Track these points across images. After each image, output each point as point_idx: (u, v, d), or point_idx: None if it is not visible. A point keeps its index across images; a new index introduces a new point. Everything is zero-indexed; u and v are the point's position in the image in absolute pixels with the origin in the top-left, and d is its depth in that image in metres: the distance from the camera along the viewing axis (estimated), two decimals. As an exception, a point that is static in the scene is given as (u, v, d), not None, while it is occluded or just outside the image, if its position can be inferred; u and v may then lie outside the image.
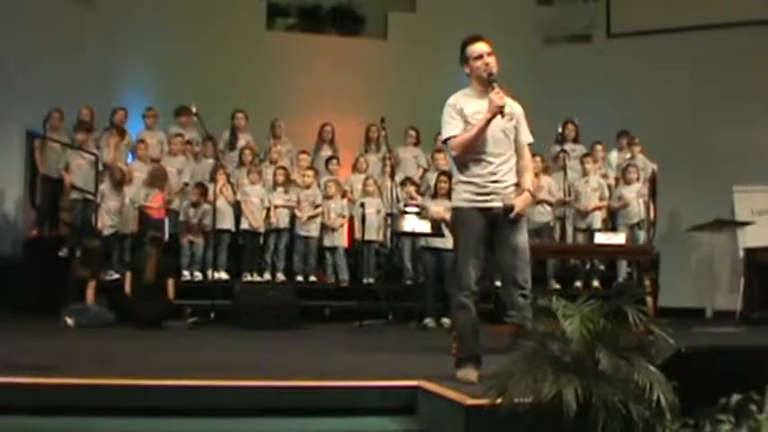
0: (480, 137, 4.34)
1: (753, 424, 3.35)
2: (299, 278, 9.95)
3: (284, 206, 9.97)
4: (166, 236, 9.56)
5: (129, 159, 10.56)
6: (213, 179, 9.77)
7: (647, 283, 8.73)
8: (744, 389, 3.44)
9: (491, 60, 4.41)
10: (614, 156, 10.97)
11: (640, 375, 3.27)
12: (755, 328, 8.87)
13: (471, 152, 4.38)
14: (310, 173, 10.20)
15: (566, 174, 9.95)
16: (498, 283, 6.58)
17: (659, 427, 3.25)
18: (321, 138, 11.09)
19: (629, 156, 10.63)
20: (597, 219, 10.27)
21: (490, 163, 4.38)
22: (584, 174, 10.31)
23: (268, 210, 9.93)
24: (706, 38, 11.65)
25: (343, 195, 10.32)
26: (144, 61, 12.13)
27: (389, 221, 9.82)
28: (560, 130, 10.57)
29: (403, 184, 9.92)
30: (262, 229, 9.95)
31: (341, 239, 10.19)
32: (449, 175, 9.14)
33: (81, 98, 10.58)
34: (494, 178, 4.38)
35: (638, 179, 10.19)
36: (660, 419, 3.25)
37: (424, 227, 8.65)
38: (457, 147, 4.39)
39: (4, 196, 10.83)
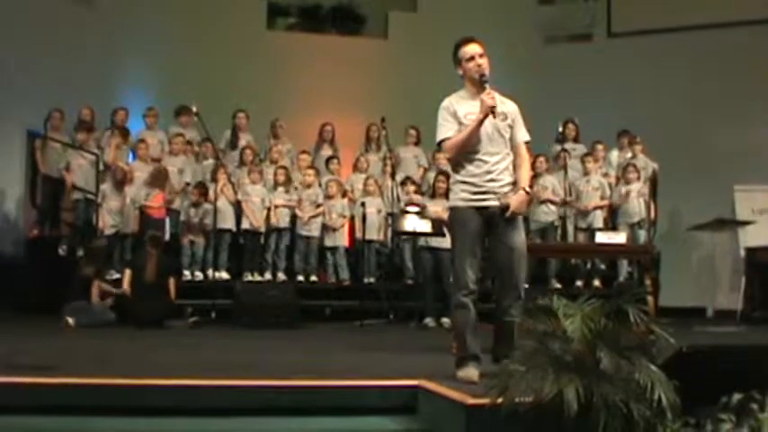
0: (473, 137, 4.37)
1: (754, 423, 3.34)
2: (300, 278, 9.95)
3: (285, 206, 9.97)
4: (167, 235, 9.56)
5: (130, 159, 10.55)
6: (214, 179, 9.78)
7: (648, 282, 8.70)
8: (745, 388, 3.44)
9: (483, 62, 4.45)
10: (615, 155, 10.97)
11: (641, 375, 3.26)
12: (756, 327, 8.87)
13: (466, 152, 4.41)
14: (311, 172, 10.20)
15: (566, 173, 9.95)
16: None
17: (660, 427, 3.25)
18: (321, 137, 11.09)
19: (629, 155, 10.62)
20: (598, 218, 10.27)
21: (485, 162, 4.40)
22: (586, 173, 10.31)
23: (269, 209, 9.93)
24: (707, 37, 11.64)
25: (344, 195, 10.32)
26: (144, 61, 12.13)
27: (390, 221, 9.83)
28: (561, 129, 10.57)
29: (403, 183, 9.92)
30: (262, 229, 9.95)
31: (342, 239, 10.19)
32: (446, 174, 9.16)
33: (81, 98, 10.58)
34: (489, 177, 4.40)
35: (638, 178, 10.18)
36: (661, 419, 3.24)
37: (425, 226, 8.65)
38: (451, 148, 4.45)
39: (5, 196, 10.84)
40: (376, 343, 7.11)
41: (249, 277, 9.79)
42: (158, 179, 9.66)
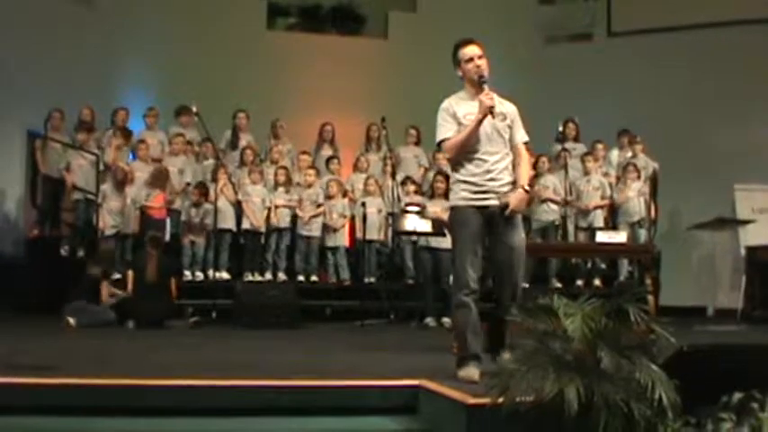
0: (473, 137, 4.42)
1: (754, 422, 3.34)
2: (301, 278, 9.94)
3: (285, 206, 9.97)
4: (168, 236, 9.56)
5: (130, 159, 10.54)
6: (214, 179, 9.78)
7: (649, 281, 8.71)
8: (745, 387, 3.44)
9: (482, 63, 4.50)
10: (615, 154, 10.97)
11: (642, 374, 3.26)
12: (757, 326, 8.88)
13: (466, 152, 4.45)
14: (312, 172, 10.20)
15: (567, 173, 9.95)
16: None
17: (661, 426, 3.24)
18: (321, 137, 11.08)
19: (629, 154, 10.63)
20: (599, 217, 10.27)
21: (485, 161, 4.44)
22: (586, 173, 10.31)
23: (269, 209, 9.93)
24: (707, 37, 11.62)
25: (345, 195, 10.31)
26: (144, 61, 12.13)
27: (390, 221, 9.82)
28: (561, 128, 10.57)
29: (403, 183, 9.92)
30: (263, 229, 9.94)
31: (342, 239, 10.19)
32: (445, 175, 9.17)
33: (81, 98, 10.57)
34: (490, 176, 4.44)
35: (638, 177, 10.18)
36: (662, 418, 3.24)
37: (426, 226, 8.65)
38: (451, 149, 4.50)
39: (5, 196, 10.84)
40: (376, 343, 7.11)
41: (250, 277, 9.79)
42: (159, 179, 9.65)
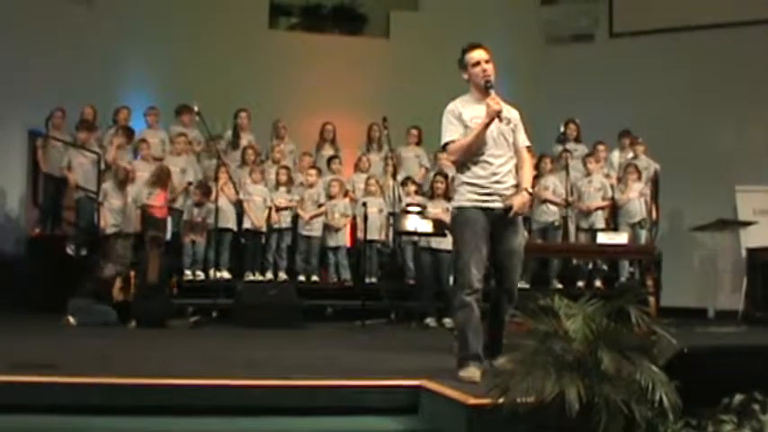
0: (479, 141, 4.48)
1: (755, 424, 3.34)
2: (302, 277, 9.94)
3: (287, 206, 9.97)
4: (169, 235, 9.55)
5: (131, 158, 10.54)
6: (216, 178, 9.77)
7: (650, 282, 8.71)
8: (746, 389, 3.43)
9: (489, 67, 4.57)
10: (616, 155, 10.97)
11: (643, 375, 3.26)
12: (758, 327, 8.87)
13: (471, 155, 4.50)
14: (313, 172, 10.20)
15: (568, 173, 9.94)
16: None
17: (662, 428, 3.24)
18: (322, 137, 11.08)
19: (630, 155, 10.62)
20: (600, 218, 10.26)
21: (491, 164, 4.51)
22: (588, 174, 10.30)
23: (270, 209, 9.93)
24: (709, 38, 11.61)
25: (346, 195, 10.31)
26: (145, 60, 12.10)
27: (392, 221, 9.82)
28: (562, 129, 10.55)
29: (404, 183, 9.91)
30: (264, 229, 9.94)
31: (343, 239, 10.19)
32: (445, 175, 9.19)
33: (82, 97, 10.56)
34: (495, 179, 4.51)
35: (639, 179, 10.18)
36: (662, 420, 3.24)
37: (427, 226, 8.64)
38: (456, 151, 4.55)
39: (7, 195, 10.83)
40: (377, 343, 7.09)
41: (250, 277, 9.79)
42: (160, 178, 9.64)
